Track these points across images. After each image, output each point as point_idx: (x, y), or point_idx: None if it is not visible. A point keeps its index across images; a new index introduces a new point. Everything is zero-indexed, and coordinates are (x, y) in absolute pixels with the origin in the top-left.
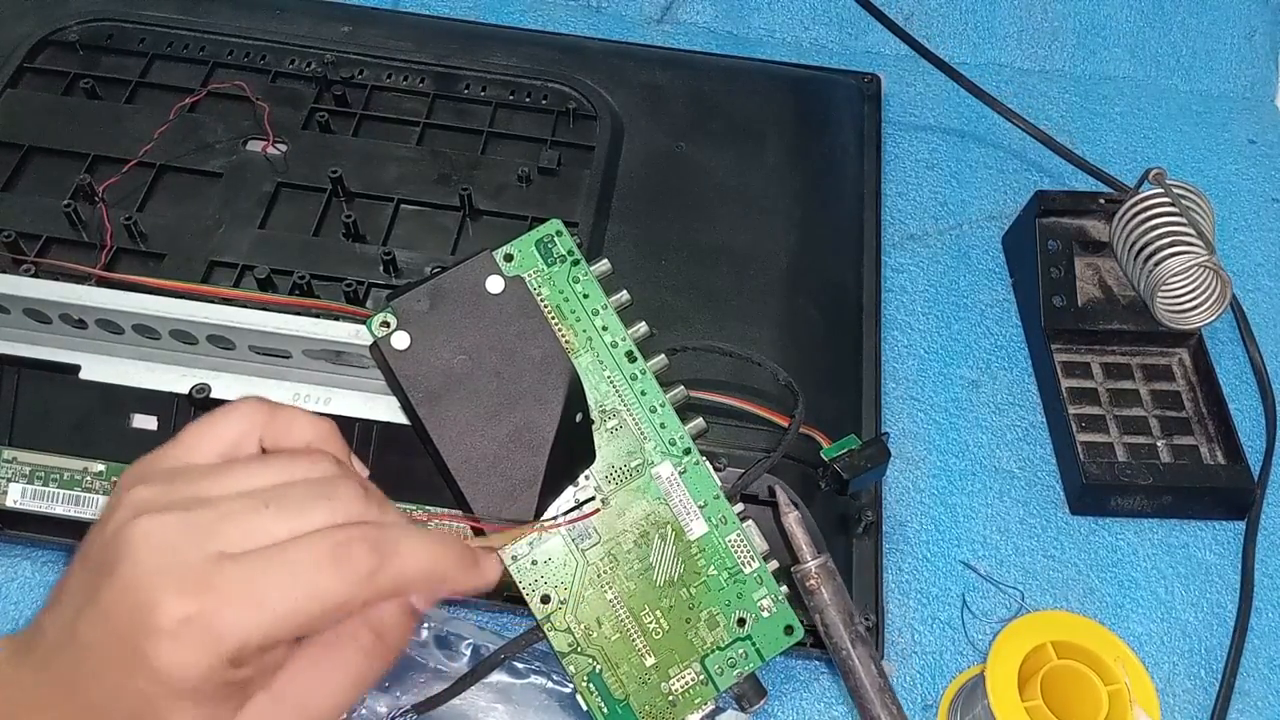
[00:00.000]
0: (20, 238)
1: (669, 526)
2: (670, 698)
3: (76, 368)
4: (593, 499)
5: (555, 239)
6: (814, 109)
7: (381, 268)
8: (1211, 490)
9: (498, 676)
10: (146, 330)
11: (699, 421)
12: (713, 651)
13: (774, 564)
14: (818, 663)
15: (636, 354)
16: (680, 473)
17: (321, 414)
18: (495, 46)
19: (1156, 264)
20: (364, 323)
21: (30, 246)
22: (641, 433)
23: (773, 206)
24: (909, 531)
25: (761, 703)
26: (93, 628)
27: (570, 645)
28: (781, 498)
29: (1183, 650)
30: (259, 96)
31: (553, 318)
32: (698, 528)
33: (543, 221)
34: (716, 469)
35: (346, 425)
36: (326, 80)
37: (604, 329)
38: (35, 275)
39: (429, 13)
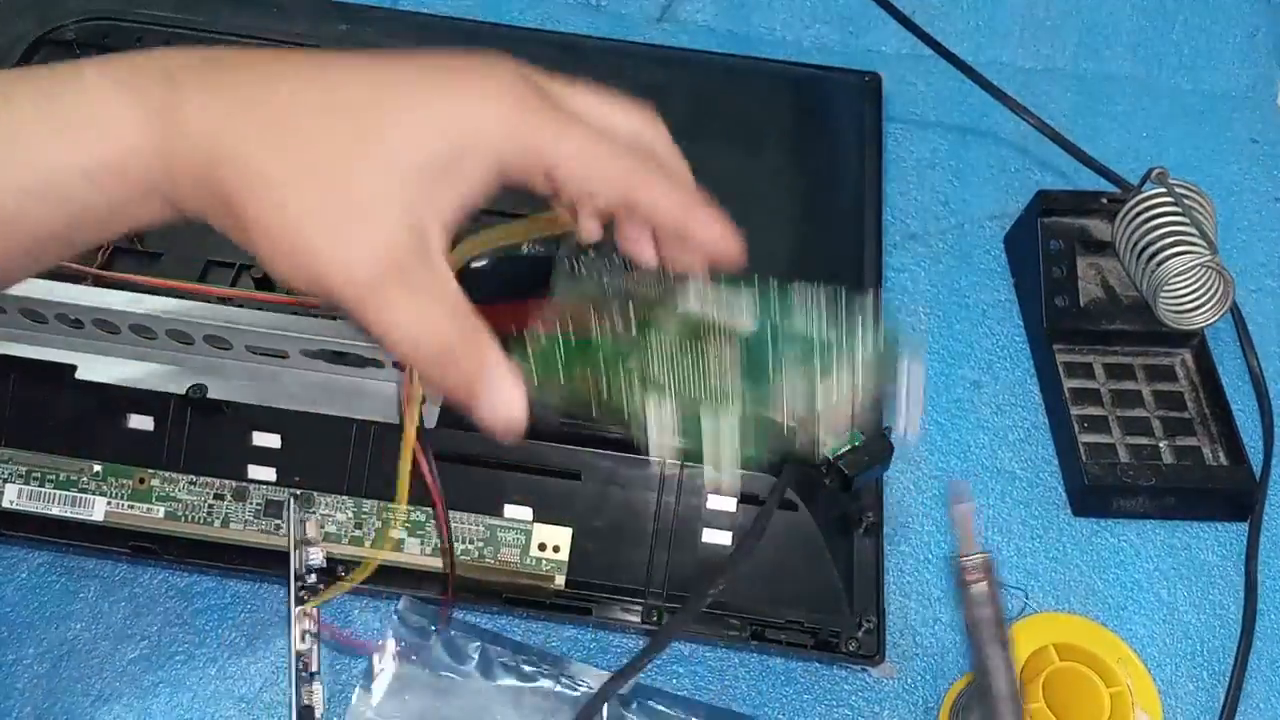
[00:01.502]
0: None
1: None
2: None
3: (73, 368)
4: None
5: None
6: (814, 108)
7: None
8: (1214, 491)
9: (507, 680)
10: (143, 330)
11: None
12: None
13: None
14: (817, 665)
15: None
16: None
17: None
18: (494, 45)
19: (1159, 264)
20: None
21: None
22: None
23: (773, 206)
24: (910, 533)
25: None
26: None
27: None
28: (956, 488)
29: (1185, 652)
30: None
31: None
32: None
33: None
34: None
35: (343, 427)
36: None
37: None
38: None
39: (427, 11)
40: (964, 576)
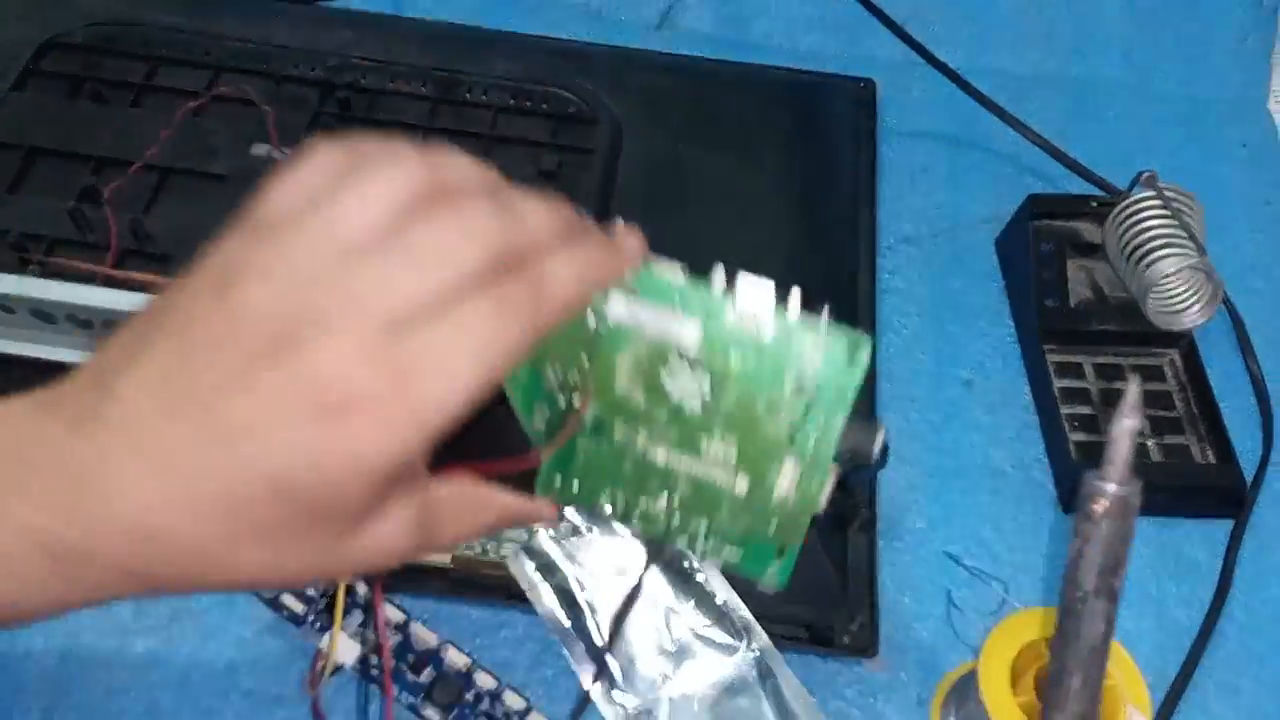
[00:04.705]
0: (26, 239)
1: (665, 354)
2: (789, 502)
3: None
4: (574, 391)
5: None
6: (810, 114)
7: None
8: (1202, 489)
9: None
10: None
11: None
12: (795, 433)
13: (795, 300)
14: (811, 658)
15: None
16: (634, 294)
17: None
18: (496, 52)
19: (1148, 266)
20: None
21: (36, 248)
22: None
23: (769, 209)
24: (902, 530)
25: (881, 434)
26: (251, 407)
27: (663, 525)
28: (1130, 397)
29: (1174, 647)
30: (263, 101)
31: None
32: (691, 333)
33: None
34: None
35: None
36: (330, 85)
37: None
38: (42, 275)
39: (431, 18)
40: (1088, 506)
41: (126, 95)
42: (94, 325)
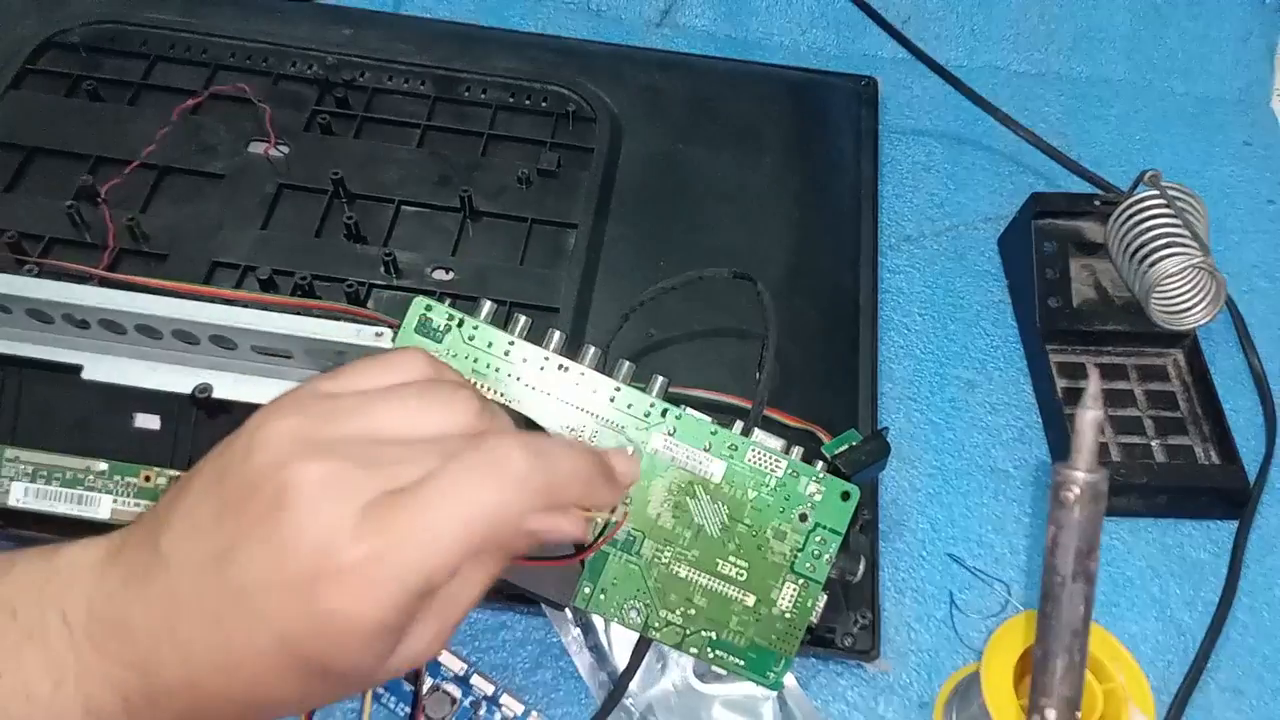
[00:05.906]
0: (23, 238)
1: (693, 484)
2: (787, 616)
3: (79, 368)
4: (614, 507)
5: (430, 315)
6: (812, 111)
7: (382, 269)
8: (1206, 490)
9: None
10: (149, 331)
11: (660, 379)
12: (795, 557)
13: (797, 450)
14: (813, 659)
15: (565, 363)
16: (670, 434)
17: None
18: (495, 49)
19: (1151, 265)
20: (365, 323)
21: (33, 247)
22: (617, 424)
23: (771, 208)
24: (905, 531)
25: (863, 566)
26: (254, 570)
27: (679, 635)
28: (1091, 388)
29: (1177, 649)
30: (261, 99)
31: (476, 382)
32: (717, 469)
33: (542, 223)
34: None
35: None
36: (328, 83)
37: (524, 360)
38: (38, 275)
39: (430, 16)
40: (1059, 493)
41: (123, 94)
42: (90, 325)
